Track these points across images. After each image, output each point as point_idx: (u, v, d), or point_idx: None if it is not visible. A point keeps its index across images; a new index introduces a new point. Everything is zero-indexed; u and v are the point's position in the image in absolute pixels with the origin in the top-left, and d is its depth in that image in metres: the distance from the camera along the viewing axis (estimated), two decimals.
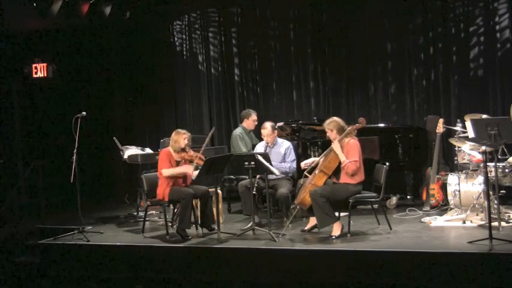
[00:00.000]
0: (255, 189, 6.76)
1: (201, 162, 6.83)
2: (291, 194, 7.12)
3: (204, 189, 6.91)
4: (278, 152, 7.29)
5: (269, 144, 7.27)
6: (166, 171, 6.77)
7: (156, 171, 7.05)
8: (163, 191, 6.81)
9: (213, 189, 6.90)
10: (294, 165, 7.31)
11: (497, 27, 8.27)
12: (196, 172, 6.89)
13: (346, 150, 6.35)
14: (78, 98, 10.27)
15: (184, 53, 10.18)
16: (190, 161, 6.90)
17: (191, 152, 6.89)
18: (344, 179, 6.41)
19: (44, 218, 8.40)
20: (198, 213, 7.11)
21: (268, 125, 7.31)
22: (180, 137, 6.87)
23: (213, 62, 9.96)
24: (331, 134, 6.49)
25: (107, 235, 7.24)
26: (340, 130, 6.43)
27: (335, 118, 6.59)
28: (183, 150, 6.88)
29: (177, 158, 6.87)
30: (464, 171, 7.13)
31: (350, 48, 9.10)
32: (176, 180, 6.86)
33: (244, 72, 9.79)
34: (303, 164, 6.71)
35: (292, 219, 6.90)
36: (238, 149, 7.91)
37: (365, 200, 6.67)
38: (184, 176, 6.94)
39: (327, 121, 6.57)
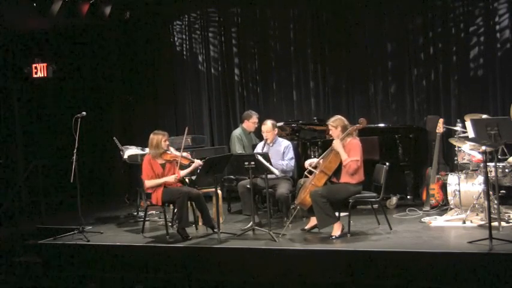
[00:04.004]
0: (249, 184, 6.73)
1: (186, 161, 6.81)
2: (291, 194, 7.12)
3: (195, 192, 6.84)
4: (277, 150, 7.29)
5: (268, 142, 7.27)
6: (148, 183, 6.74)
7: None
8: (156, 195, 6.77)
9: (213, 189, 6.89)
10: (292, 163, 7.30)
11: (497, 27, 8.26)
12: (184, 172, 6.86)
13: (348, 149, 6.35)
14: (78, 98, 10.26)
15: (184, 53, 10.19)
16: (174, 161, 6.80)
17: (173, 152, 6.84)
18: (344, 178, 6.41)
19: (44, 218, 8.40)
20: (198, 214, 7.10)
21: (268, 122, 7.32)
22: (161, 140, 6.75)
23: (213, 62, 9.96)
24: (335, 132, 6.49)
25: (106, 235, 7.24)
26: (344, 128, 6.44)
27: (339, 116, 6.60)
28: (165, 151, 6.83)
29: (160, 162, 6.81)
30: (464, 171, 7.13)
31: (350, 48, 9.10)
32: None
33: (244, 72, 9.79)
34: (307, 164, 6.70)
35: (292, 219, 6.90)
36: (234, 150, 7.88)
37: (365, 200, 6.68)
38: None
39: (332, 118, 6.58)
